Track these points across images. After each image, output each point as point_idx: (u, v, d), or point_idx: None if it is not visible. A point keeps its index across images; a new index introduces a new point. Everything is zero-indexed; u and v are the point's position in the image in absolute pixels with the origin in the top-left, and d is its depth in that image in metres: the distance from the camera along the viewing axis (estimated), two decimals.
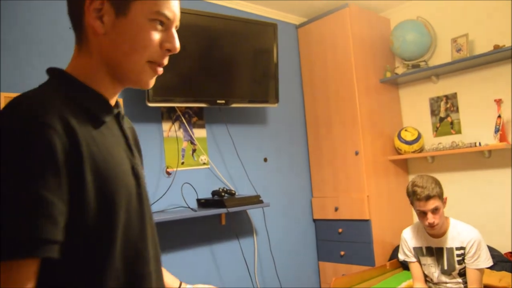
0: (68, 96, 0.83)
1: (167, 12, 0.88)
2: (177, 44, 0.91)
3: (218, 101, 2.88)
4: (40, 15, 2.38)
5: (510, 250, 2.99)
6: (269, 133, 3.44)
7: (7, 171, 0.69)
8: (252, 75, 3.07)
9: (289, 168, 3.54)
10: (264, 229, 3.23)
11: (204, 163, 3.01)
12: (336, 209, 3.41)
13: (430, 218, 2.22)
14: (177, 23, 0.92)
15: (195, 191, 2.88)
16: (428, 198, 2.21)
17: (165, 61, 0.92)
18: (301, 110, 3.73)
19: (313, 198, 3.65)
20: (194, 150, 2.98)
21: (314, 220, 3.63)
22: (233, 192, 2.88)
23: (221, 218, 2.99)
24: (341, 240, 3.39)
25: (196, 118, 3.02)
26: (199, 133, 3.02)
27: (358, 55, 3.40)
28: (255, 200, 2.89)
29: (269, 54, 3.15)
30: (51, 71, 0.89)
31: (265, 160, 3.37)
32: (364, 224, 3.24)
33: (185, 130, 2.95)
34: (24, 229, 0.68)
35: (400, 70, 3.68)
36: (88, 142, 0.79)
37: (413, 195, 2.27)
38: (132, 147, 0.95)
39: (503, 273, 2.75)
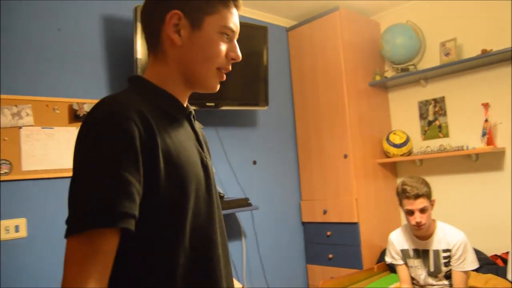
0: (146, 97, 0.95)
1: (232, 26, 1.01)
2: (239, 53, 1.04)
3: (208, 104, 2.88)
4: (39, 18, 2.38)
5: (495, 253, 3.02)
6: (258, 136, 3.44)
7: (94, 155, 0.81)
8: (242, 78, 3.08)
9: (279, 171, 3.55)
10: (252, 232, 3.23)
11: None
12: (325, 212, 3.42)
13: (418, 217, 2.25)
14: (237, 34, 1.05)
15: None
16: (417, 196, 2.24)
17: (230, 68, 1.05)
18: (291, 112, 3.74)
19: (302, 201, 3.65)
20: None
21: (303, 223, 3.64)
22: (222, 195, 2.88)
23: None
24: (330, 243, 3.40)
25: None
26: None
27: (348, 58, 3.42)
28: (244, 203, 2.89)
29: (259, 57, 3.16)
30: (131, 78, 1.03)
31: (255, 163, 3.36)
32: (352, 227, 3.25)
33: None
34: (106, 203, 0.78)
35: (389, 73, 3.70)
36: (162, 134, 0.90)
37: (402, 194, 2.30)
38: (202, 143, 1.07)
39: (489, 275, 2.77)
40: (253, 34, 3.11)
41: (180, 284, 0.90)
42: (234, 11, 1.02)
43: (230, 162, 3.16)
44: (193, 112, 1.09)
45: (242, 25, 3.18)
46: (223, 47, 1.01)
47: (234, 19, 1.01)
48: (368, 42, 3.66)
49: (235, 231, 3.16)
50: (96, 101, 2.51)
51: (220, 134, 3.12)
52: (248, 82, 3.12)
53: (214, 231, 0.99)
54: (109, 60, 2.64)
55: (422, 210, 2.26)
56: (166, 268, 0.89)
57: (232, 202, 2.84)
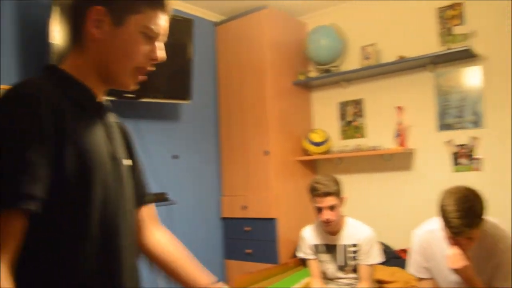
0: (59, 86, 0.96)
1: (156, 27, 1.02)
2: (162, 55, 1.05)
3: (126, 95, 2.80)
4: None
5: (402, 247, 3.19)
6: (180, 130, 3.39)
7: (1, 136, 0.81)
8: (165, 71, 3.01)
9: (200, 166, 3.53)
10: (170, 228, 3.16)
11: None
12: (245, 208, 3.45)
13: (326, 214, 2.33)
14: (164, 37, 1.06)
15: None
16: (326, 195, 2.31)
17: (150, 68, 1.05)
18: (215, 108, 3.73)
19: (223, 196, 3.66)
20: None
21: (223, 219, 3.65)
22: None
23: None
24: (248, 238, 3.44)
25: None
26: None
27: (274, 57, 3.47)
28: (161, 198, 2.84)
29: (184, 50, 3.12)
30: (46, 67, 1.03)
31: (175, 157, 3.32)
32: (270, 223, 3.31)
33: None
34: (10, 185, 0.79)
35: (313, 74, 3.80)
36: (71, 122, 0.91)
37: (312, 191, 2.37)
38: (113, 135, 1.07)
39: (395, 268, 2.93)
40: (178, 26, 3.06)
41: (84, 273, 0.91)
42: (160, 13, 1.03)
43: (150, 156, 3.08)
44: (108, 106, 1.10)
45: None
46: (144, 46, 1.01)
47: (159, 21, 1.02)
48: (294, 42, 3.73)
49: None
50: (4, 86, 2.38)
51: (139, 127, 3.04)
52: (171, 75, 3.06)
53: (122, 222, 1.01)
54: (21, 44, 2.49)
55: (331, 208, 2.33)
56: (71, 255, 0.90)
57: None
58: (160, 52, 1.05)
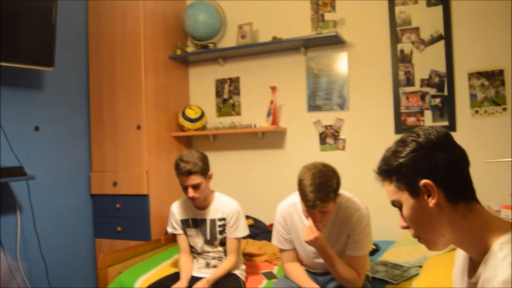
0: None
1: None
2: None
3: None
4: None
5: (273, 222, 3.34)
6: (43, 99, 3.10)
7: None
8: (24, 34, 2.72)
9: (66, 139, 3.28)
10: (30, 205, 2.92)
11: None
12: (115, 184, 3.31)
13: (190, 192, 2.33)
14: None
15: None
16: (189, 173, 2.29)
17: None
18: (85, 78, 3.48)
19: (92, 172, 3.46)
20: None
21: (92, 195, 3.47)
22: None
23: None
24: (119, 215, 3.31)
25: None
26: None
27: (149, 29, 3.33)
28: (17, 172, 2.59)
29: (46, 13, 2.83)
30: None
31: (37, 129, 3.04)
32: (142, 199, 3.23)
33: None
34: None
35: (191, 49, 3.74)
36: None
37: (176, 169, 2.33)
38: None
39: (263, 242, 3.06)
40: None
41: None
42: None
43: (4, 127, 2.78)
44: None
45: None
46: None
47: None
48: (172, 15, 3.62)
49: (8, 204, 2.82)
50: None
51: None
52: (32, 39, 2.77)
53: None
54: None
55: (195, 186, 2.33)
56: None
57: (1, 170, 2.52)
58: None
